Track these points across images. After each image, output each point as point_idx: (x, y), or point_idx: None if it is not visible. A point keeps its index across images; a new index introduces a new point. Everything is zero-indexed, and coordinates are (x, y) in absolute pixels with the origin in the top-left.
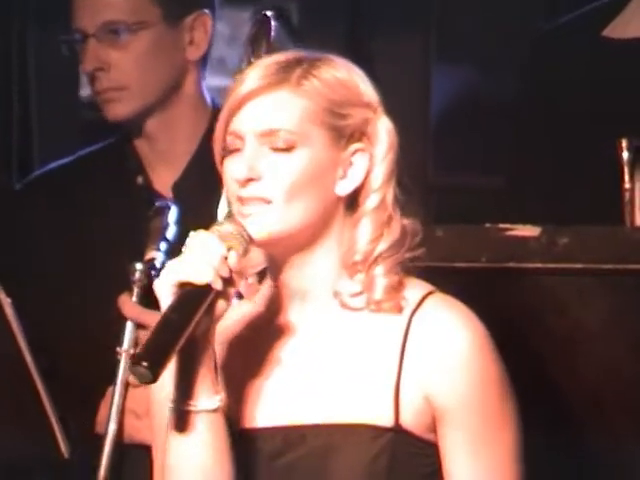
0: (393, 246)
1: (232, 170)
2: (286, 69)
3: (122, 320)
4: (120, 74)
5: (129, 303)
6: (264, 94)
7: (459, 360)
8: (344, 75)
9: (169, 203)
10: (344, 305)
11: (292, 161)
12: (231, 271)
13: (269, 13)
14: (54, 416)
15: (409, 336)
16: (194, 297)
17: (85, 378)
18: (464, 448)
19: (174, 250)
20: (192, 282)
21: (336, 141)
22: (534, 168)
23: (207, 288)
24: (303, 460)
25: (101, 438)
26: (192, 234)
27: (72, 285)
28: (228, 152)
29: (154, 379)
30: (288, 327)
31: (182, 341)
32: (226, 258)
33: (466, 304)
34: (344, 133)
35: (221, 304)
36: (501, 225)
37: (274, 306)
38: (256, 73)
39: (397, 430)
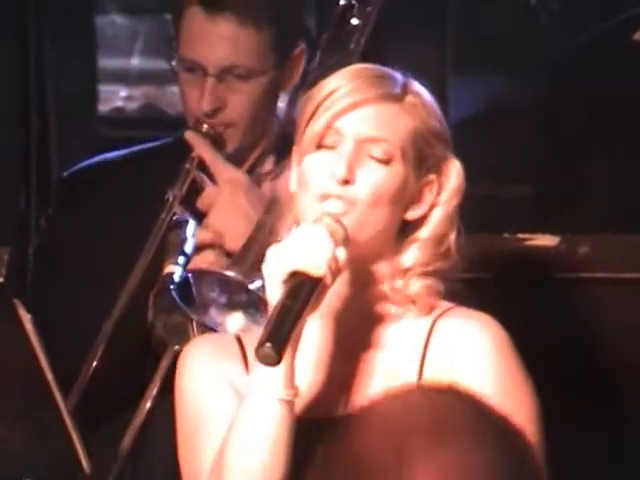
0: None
1: (330, 165)
2: (395, 84)
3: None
4: (233, 114)
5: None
6: (375, 104)
7: (479, 361)
8: (436, 107)
9: (187, 217)
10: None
11: (386, 172)
12: (337, 266)
13: None
14: (75, 432)
15: (431, 337)
16: (308, 287)
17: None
18: None
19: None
20: (307, 273)
21: (419, 167)
22: (558, 177)
23: (318, 280)
24: (334, 452)
25: None
26: (303, 225)
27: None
28: (322, 146)
29: (278, 360)
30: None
31: (299, 327)
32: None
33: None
34: (427, 163)
35: (321, 297)
36: (520, 235)
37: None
38: (367, 81)
39: None
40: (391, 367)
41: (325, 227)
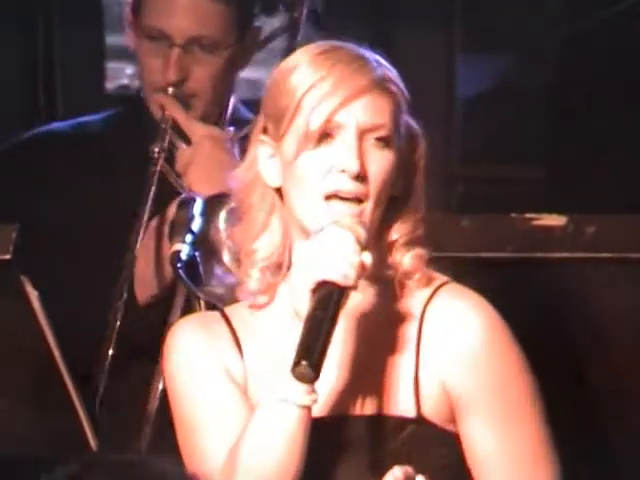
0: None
1: (335, 161)
2: (370, 64)
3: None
4: (197, 85)
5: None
6: (367, 93)
7: (472, 350)
8: (394, 71)
9: (194, 195)
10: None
11: (387, 158)
12: (364, 271)
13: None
14: (82, 409)
15: (423, 329)
16: (337, 296)
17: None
18: (491, 433)
19: (199, 242)
20: (336, 282)
21: (399, 143)
22: (568, 158)
23: (346, 288)
24: (332, 450)
25: None
26: (328, 230)
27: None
28: (320, 141)
29: (316, 377)
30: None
31: (332, 337)
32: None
33: (492, 294)
34: (401, 136)
35: (346, 301)
36: (527, 215)
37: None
38: (349, 68)
39: (420, 421)
40: (386, 366)
41: (350, 232)
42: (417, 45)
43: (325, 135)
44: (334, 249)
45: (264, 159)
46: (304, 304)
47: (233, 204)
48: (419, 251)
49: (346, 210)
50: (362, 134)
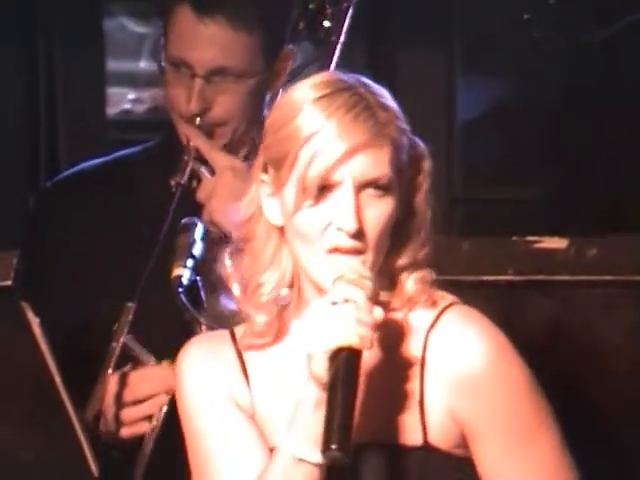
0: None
1: (333, 217)
2: (370, 109)
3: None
4: (222, 113)
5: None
6: (367, 148)
7: (477, 376)
8: (389, 98)
9: (195, 220)
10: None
11: (386, 205)
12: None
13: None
14: (84, 435)
15: (427, 354)
16: (355, 360)
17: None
18: (505, 459)
19: (200, 266)
20: (353, 347)
21: (401, 177)
22: (570, 179)
23: (363, 349)
24: (336, 478)
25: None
26: (338, 289)
27: (103, 285)
28: (319, 195)
29: (347, 457)
30: None
31: (355, 406)
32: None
33: (493, 317)
34: (404, 166)
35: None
36: (528, 237)
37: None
38: (349, 116)
39: (426, 448)
40: (391, 392)
41: (359, 288)
42: (417, 66)
43: (323, 190)
44: (348, 313)
45: (265, 198)
46: (322, 369)
47: (237, 238)
48: (423, 273)
49: (349, 262)
50: (360, 188)
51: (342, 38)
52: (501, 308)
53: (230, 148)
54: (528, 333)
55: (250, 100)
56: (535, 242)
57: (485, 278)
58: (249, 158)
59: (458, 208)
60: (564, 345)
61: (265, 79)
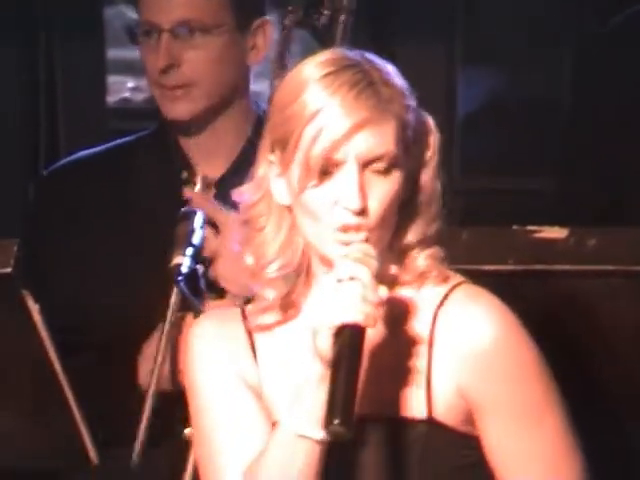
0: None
1: (339, 195)
2: (374, 85)
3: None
4: (191, 71)
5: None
6: (371, 124)
7: (486, 353)
8: (394, 72)
9: (194, 209)
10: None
11: (391, 182)
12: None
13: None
14: (83, 422)
15: (435, 331)
16: (359, 338)
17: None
18: (512, 437)
19: (200, 255)
20: (358, 324)
21: (407, 153)
22: (576, 169)
23: (366, 326)
24: (344, 452)
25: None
26: (343, 267)
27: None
28: (321, 174)
29: (350, 432)
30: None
31: (358, 383)
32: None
33: None
34: (409, 142)
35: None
36: (528, 227)
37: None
38: (352, 93)
39: (430, 422)
40: (398, 367)
41: (364, 265)
42: (418, 58)
43: (327, 168)
44: (353, 290)
45: (273, 178)
46: (326, 346)
47: (248, 218)
48: (433, 250)
49: (356, 239)
50: (364, 165)
51: (345, 19)
52: (501, 297)
53: (210, 117)
54: (528, 323)
55: (221, 61)
56: (535, 232)
57: (485, 268)
58: (244, 157)
59: (458, 198)
60: (564, 335)
61: (237, 41)
